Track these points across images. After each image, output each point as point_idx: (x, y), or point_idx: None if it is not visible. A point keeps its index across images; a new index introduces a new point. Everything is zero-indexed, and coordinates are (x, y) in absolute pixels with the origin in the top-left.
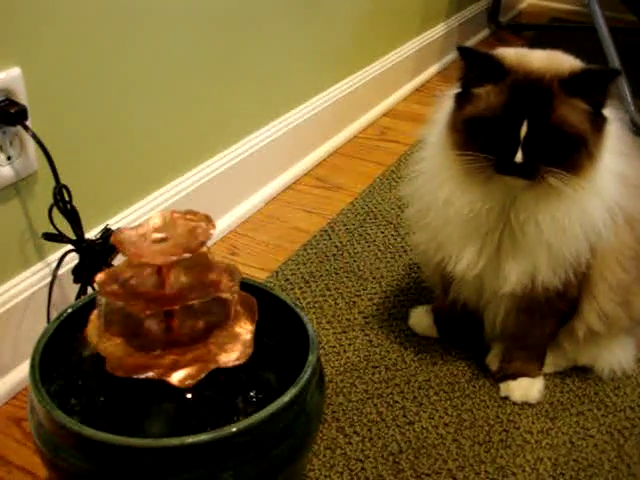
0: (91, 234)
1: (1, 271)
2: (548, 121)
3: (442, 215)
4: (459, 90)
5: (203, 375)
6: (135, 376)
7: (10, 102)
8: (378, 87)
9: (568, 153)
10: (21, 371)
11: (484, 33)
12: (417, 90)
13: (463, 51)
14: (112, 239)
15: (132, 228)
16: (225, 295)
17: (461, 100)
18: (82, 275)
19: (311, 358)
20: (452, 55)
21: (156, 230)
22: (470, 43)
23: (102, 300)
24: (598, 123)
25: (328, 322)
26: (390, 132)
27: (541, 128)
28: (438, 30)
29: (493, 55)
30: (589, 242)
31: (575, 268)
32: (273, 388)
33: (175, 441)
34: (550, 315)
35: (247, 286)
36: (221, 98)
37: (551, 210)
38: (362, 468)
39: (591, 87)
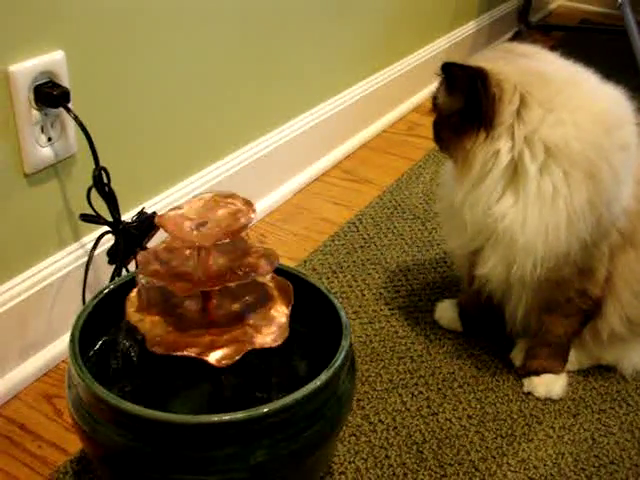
0: (127, 216)
1: (37, 250)
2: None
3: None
4: None
5: (240, 355)
6: (174, 353)
7: (53, 84)
8: (408, 83)
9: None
10: (53, 349)
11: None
12: None
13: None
14: (156, 220)
15: (175, 209)
16: (262, 278)
17: None
18: (117, 257)
19: (344, 343)
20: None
21: (198, 212)
22: (500, 42)
23: (142, 279)
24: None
25: (354, 312)
26: (418, 128)
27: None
28: (468, 28)
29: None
30: (562, 236)
31: (563, 260)
32: (304, 373)
33: (213, 418)
34: (572, 314)
35: (282, 272)
36: (254, 89)
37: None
38: (386, 456)
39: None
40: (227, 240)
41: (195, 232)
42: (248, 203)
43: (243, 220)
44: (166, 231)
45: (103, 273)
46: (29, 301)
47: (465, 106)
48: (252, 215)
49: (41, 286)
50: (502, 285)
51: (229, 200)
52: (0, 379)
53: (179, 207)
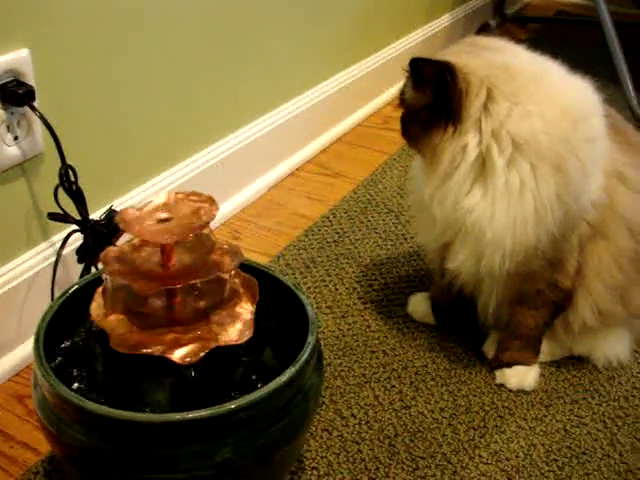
0: (96, 215)
1: (6, 250)
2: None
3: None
4: None
5: (204, 353)
6: (137, 352)
7: (18, 83)
8: (383, 76)
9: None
10: (24, 349)
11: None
12: None
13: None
14: (117, 218)
15: (136, 208)
16: (227, 275)
17: None
18: (86, 255)
19: (310, 339)
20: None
21: (160, 210)
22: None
23: (106, 278)
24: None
25: (328, 307)
26: (393, 121)
27: None
28: (444, 21)
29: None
30: (530, 228)
31: (532, 253)
32: (272, 368)
33: (177, 416)
34: (543, 306)
35: (248, 268)
36: (225, 84)
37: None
38: (358, 450)
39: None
40: (190, 236)
41: (156, 229)
42: (211, 200)
43: (206, 217)
44: (126, 229)
45: (73, 272)
46: None
47: (433, 101)
48: (215, 212)
49: (10, 286)
50: (472, 278)
51: (192, 197)
52: None
53: (143, 205)
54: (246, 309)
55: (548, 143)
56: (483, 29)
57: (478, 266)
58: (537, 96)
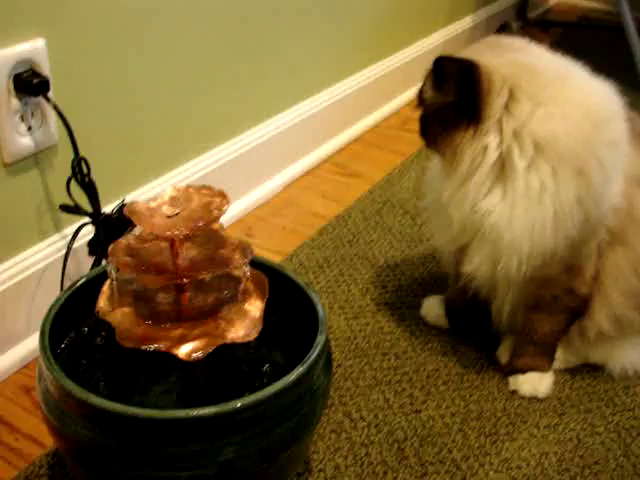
0: (108, 208)
1: (18, 241)
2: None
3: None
4: None
5: (210, 350)
6: (143, 347)
7: (33, 73)
8: (403, 77)
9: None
10: (33, 341)
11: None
12: None
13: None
14: (125, 210)
15: (146, 200)
16: (236, 271)
17: None
18: (97, 248)
19: (319, 338)
20: None
21: (170, 203)
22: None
23: (114, 271)
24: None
25: (340, 307)
26: (412, 122)
27: None
28: (465, 23)
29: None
30: (549, 232)
31: (550, 258)
32: (281, 367)
33: (180, 413)
34: (559, 312)
35: (259, 265)
36: (244, 80)
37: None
38: (366, 453)
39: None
40: (199, 230)
41: (166, 223)
42: (222, 194)
43: (216, 212)
44: (135, 221)
45: (85, 265)
46: (8, 292)
47: (455, 100)
48: (225, 206)
49: (21, 277)
50: (488, 282)
51: (203, 191)
52: None
53: (153, 198)
54: (255, 306)
55: (570, 145)
56: (502, 29)
57: (494, 270)
58: (560, 97)
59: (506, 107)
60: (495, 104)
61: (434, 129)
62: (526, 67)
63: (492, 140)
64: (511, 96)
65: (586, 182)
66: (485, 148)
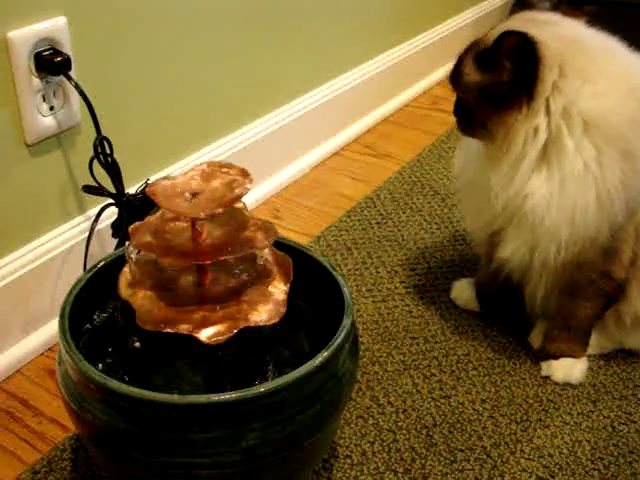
0: (132, 189)
1: (41, 222)
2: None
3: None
4: None
5: (233, 333)
6: (164, 330)
7: (54, 51)
8: (432, 56)
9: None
10: (57, 323)
11: (544, 5)
12: None
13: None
14: (146, 190)
15: (167, 179)
16: (259, 252)
17: None
18: (120, 229)
19: (345, 322)
20: None
21: (191, 183)
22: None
23: (134, 252)
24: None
25: (368, 290)
26: (442, 102)
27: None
28: (496, 1)
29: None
30: (595, 215)
31: (590, 243)
32: (306, 351)
33: (201, 398)
34: (594, 297)
35: (284, 246)
36: (271, 59)
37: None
38: (394, 439)
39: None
40: (221, 210)
41: (187, 203)
42: (244, 173)
43: (238, 190)
44: (156, 201)
45: (109, 246)
46: (32, 275)
47: (511, 78)
48: (248, 185)
49: (44, 259)
50: (521, 266)
51: (225, 170)
52: (2, 354)
53: (174, 177)
54: (279, 289)
55: (617, 125)
56: (520, 4)
57: (531, 255)
58: (606, 74)
59: (554, 84)
60: (547, 81)
61: (482, 112)
62: (572, 41)
63: (542, 119)
64: (561, 72)
65: (632, 165)
66: (536, 128)
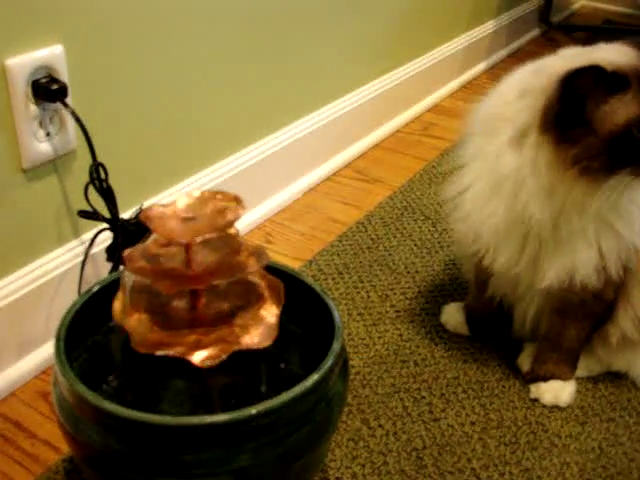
0: (127, 214)
1: (36, 246)
2: None
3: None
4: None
5: (225, 356)
6: (157, 353)
7: (51, 79)
8: (423, 82)
9: None
10: (51, 347)
11: (534, 33)
12: (464, 87)
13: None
14: (141, 215)
15: (161, 205)
16: (251, 277)
17: (567, 125)
18: (115, 254)
19: (335, 345)
20: (501, 53)
21: (185, 209)
22: (520, 42)
23: (129, 276)
24: None
25: (359, 314)
26: (434, 128)
27: None
28: (487, 27)
29: (605, 68)
30: (634, 243)
31: (618, 269)
32: (296, 374)
33: (194, 420)
34: (584, 318)
35: (276, 271)
36: (263, 86)
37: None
38: (384, 462)
39: None
40: (214, 236)
41: (180, 228)
42: (237, 199)
43: (231, 216)
44: (150, 227)
45: (103, 270)
46: (27, 298)
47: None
48: (241, 211)
49: (39, 283)
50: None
51: (218, 196)
52: None
53: (168, 203)
54: (271, 312)
55: None
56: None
57: (571, 280)
58: None
59: None
60: None
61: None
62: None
63: None
64: None
65: None
66: None
